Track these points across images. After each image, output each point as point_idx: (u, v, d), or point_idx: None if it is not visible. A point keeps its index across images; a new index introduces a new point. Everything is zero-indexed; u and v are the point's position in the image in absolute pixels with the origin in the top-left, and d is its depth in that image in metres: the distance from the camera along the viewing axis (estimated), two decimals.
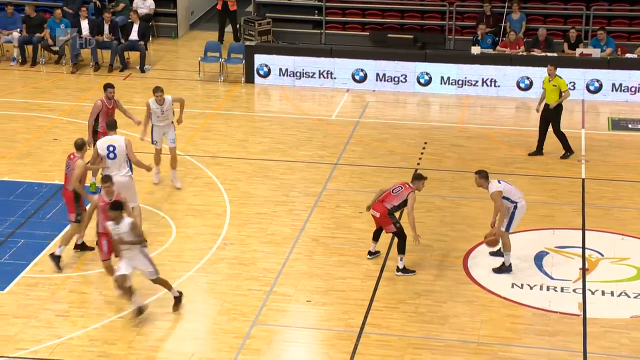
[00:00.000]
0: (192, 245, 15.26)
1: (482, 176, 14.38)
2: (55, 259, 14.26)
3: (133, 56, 23.56)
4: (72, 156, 14.43)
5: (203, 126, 20.05)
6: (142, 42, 23.25)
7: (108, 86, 16.49)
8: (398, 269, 14.42)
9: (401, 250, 14.39)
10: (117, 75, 22.96)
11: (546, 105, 18.47)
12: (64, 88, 22.02)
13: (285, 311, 13.60)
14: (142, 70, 23.23)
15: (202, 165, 18.11)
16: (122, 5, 24.67)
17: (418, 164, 18.29)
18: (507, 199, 14.28)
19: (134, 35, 23.33)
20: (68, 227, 14.54)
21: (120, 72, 23.13)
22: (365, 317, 13.37)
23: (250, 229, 15.82)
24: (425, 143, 19.32)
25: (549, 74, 18.34)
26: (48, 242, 15.13)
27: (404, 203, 14.40)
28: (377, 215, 14.47)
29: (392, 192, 14.51)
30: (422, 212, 16.31)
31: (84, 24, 23.35)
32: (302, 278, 14.38)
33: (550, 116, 18.43)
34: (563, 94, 18.31)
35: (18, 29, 23.28)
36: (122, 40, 23.28)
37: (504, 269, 14.48)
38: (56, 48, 23.29)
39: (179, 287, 13.80)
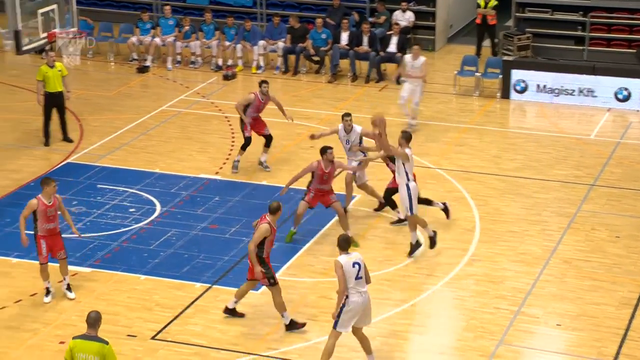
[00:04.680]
0: (441, 260, 15.19)
1: (405, 137, 15.11)
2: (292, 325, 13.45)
3: (390, 68, 23.81)
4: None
5: (457, 140, 19.94)
6: (399, 54, 23.45)
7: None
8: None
9: None
10: (373, 86, 23.27)
11: None
12: (321, 97, 22.57)
13: (533, 333, 13.26)
14: (398, 82, 23.41)
15: (454, 179, 18.02)
16: (383, 17, 25.00)
17: None
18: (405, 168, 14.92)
19: (392, 48, 23.58)
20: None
21: (377, 83, 23.44)
22: (620, 347, 12.81)
23: (500, 246, 15.56)
24: None
25: None
26: (301, 246, 15.53)
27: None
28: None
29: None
30: None
31: (344, 36, 23.85)
32: (553, 300, 13.97)
33: None
34: None
35: (283, 39, 24.12)
36: (380, 52, 23.58)
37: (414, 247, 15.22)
38: (317, 58, 23.95)
39: (427, 301, 13.79)
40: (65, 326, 13.36)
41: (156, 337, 13.19)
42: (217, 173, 18.32)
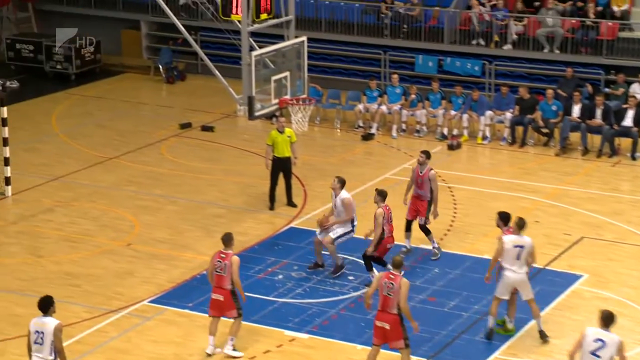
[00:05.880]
0: None
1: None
2: None
3: (624, 142, 23.07)
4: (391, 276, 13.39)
5: None
6: (635, 129, 22.71)
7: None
8: None
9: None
10: (606, 161, 22.61)
11: None
12: (549, 170, 22.13)
13: None
14: (633, 158, 22.67)
15: None
16: (621, 90, 24.31)
17: None
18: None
19: (627, 122, 22.86)
20: None
21: (609, 158, 22.75)
22: None
23: None
24: None
25: None
26: (522, 327, 15.16)
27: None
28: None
29: None
30: None
31: (576, 108, 23.35)
32: None
33: None
34: None
35: (511, 110, 23.91)
36: (615, 126, 22.91)
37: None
38: (546, 130, 23.56)
39: None
40: None
41: None
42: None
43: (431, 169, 17.34)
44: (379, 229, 16.10)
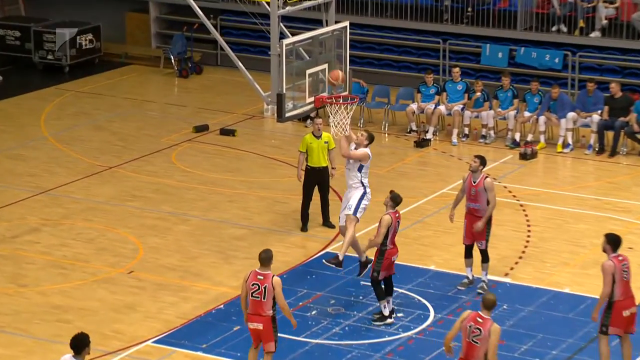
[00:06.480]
0: None
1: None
2: None
3: None
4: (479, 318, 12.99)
5: None
6: None
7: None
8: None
9: None
10: None
11: None
12: None
13: None
14: None
15: None
16: None
17: None
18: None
19: None
20: None
21: None
22: None
23: None
24: None
25: None
26: None
27: None
28: None
29: None
30: None
31: None
32: None
33: None
34: None
35: (598, 111, 23.67)
36: None
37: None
38: None
39: None
40: None
41: None
42: (506, 275, 18.09)
43: (487, 176, 17.19)
44: (379, 238, 16.20)
